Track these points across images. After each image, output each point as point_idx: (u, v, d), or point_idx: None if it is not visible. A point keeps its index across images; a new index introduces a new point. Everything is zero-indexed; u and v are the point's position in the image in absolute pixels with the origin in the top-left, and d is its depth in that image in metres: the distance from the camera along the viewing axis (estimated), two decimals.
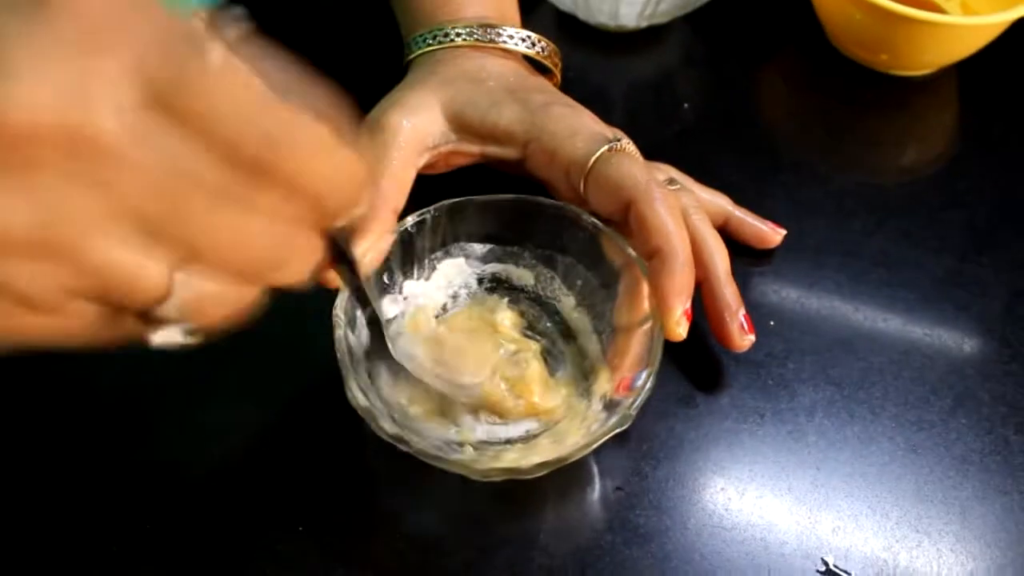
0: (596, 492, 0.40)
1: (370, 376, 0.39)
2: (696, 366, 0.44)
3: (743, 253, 0.48)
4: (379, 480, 0.40)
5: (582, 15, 0.60)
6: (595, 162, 0.42)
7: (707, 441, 0.42)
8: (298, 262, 0.25)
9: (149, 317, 0.24)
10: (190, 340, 0.25)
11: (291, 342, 0.43)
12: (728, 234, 0.48)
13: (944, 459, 0.42)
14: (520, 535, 0.39)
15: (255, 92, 0.22)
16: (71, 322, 0.23)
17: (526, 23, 0.51)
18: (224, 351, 0.43)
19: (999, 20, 0.54)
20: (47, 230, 0.20)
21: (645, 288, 0.39)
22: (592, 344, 0.42)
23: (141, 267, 0.22)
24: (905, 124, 0.59)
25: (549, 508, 0.39)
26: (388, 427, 0.35)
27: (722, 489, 0.40)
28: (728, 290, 0.42)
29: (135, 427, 0.41)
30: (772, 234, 0.48)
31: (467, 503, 0.39)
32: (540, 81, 0.48)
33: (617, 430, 0.36)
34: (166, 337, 0.25)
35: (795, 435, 0.42)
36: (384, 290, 0.42)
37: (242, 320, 0.25)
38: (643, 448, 0.41)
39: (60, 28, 0.19)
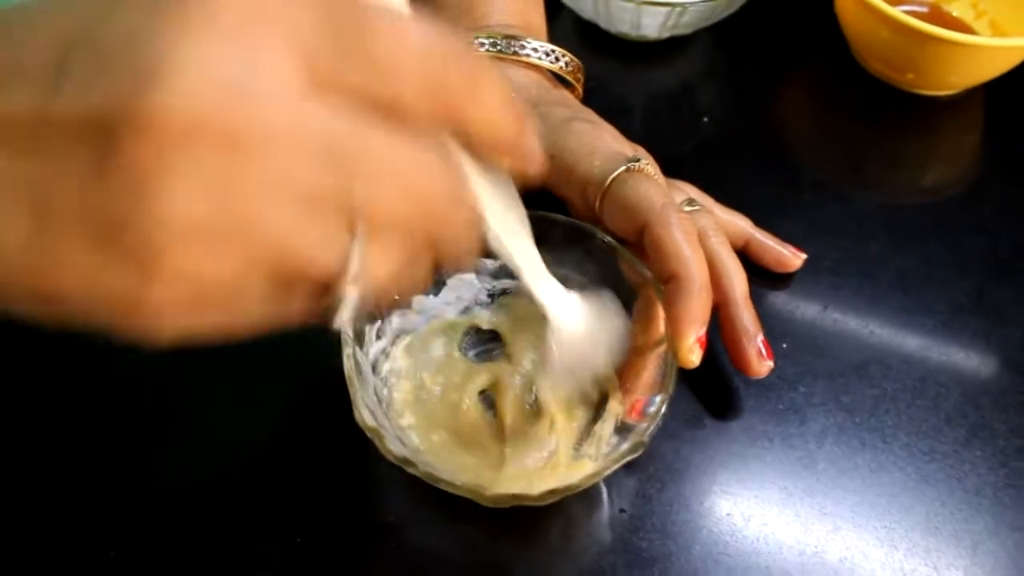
0: (600, 513, 0.39)
1: (378, 395, 0.38)
2: (705, 387, 0.43)
3: (759, 274, 0.47)
4: (380, 493, 0.40)
5: (603, 24, 0.59)
6: (612, 182, 0.41)
7: (714, 464, 0.41)
8: (462, 233, 0.25)
9: (329, 292, 0.23)
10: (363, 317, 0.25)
11: (297, 351, 0.42)
12: (748, 256, 0.47)
13: (956, 491, 0.41)
14: (522, 555, 0.38)
15: (419, 48, 0.22)
16: (250, 310, 0.22)
17: (547, 31, 0.51)
18: (227, 358, 0.43)
19: None
20: (226, 214, 0.20)
21: (660, 310, 0.39)
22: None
23: (315, 240, 0.21)
24: (929, 145, 0.58)
25: (552, 528, 0.39)
26: (396, 449, 0.34)
27: (728, 515, 0.39)
28: (746, 314, 0.41)
29: (134, 433, 0.41)
30: (792, 258, 0.48)
31: (468, 520, 0.39)
32: (562, 94, 0.47)
33: (630, 457, 0.35)
34: (341, 316, 0.24)
35: (804, 461, 0.41)
36: (394, 306, 0.41)
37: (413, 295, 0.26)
38: (649, 470, 0.40)
39: (218, 18, 0.19)
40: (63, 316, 0.22)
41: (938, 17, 0.61)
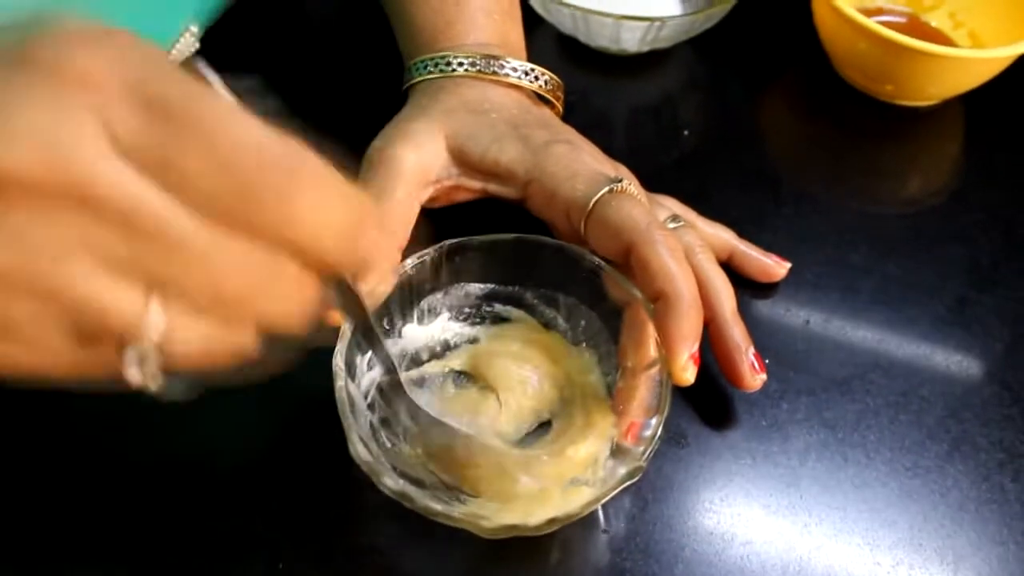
0: (582, 534, 0.39)
1: (373, 428, 0.38)
2: (688, 404, 0.43)
3: (742, 285, 0.47)
4: (365, 518, 0.39)
5: (583, 38, 0.59)
6: (595, 204, 0.41)
7: (697, 483, 0.41)
8: (285, 301, 0.25)
9: (130, 353, 0.24)
10: (188, 390, 0.25)
11: (294, 377, 0.42)
12: (732, 268, 0.47)
13: (939, 506, 0.41)
14: (498, 564, 0.38)
15: (231, 145, 0.22)
16: (50, 355, 0.23)
17: (526, 45, 0.51)
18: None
19: (1007, 54, 0.53)
20: (20, 262, 0.21)
21: (651, 329, 0.38)
22: (599, 386, 0.41)
23: (114, 299, 0.22)
24: (909, 155, 0.58)
25: (533, 549, 0.38)
26: (391, 483, 0.34)
27: (711, 533, 0.39)
28: (736, 330, 0.42)
29: (121, 455, 0.40)
30: (776, 268, 0.48)
31: (449, 544, 0.38)
32: (542, 114, 0.47)
33: (629, 482, 0.35)
34: (146, 376, 0.24)
35: (787, 478, 0.41)
36: (384, 334, 0.41)
37: (243, 372, 0.25)
38: (631, 489, 0.40)
39: (36, 80, 0.21)
40: None
41: (916, 27, 0.61)
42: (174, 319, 0.23)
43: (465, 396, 0.42)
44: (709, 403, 0.43)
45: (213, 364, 0.25)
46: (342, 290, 0.29)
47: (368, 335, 0.36)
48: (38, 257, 0.21)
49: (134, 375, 0.24)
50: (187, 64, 0.24)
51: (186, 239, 0.22)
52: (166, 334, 0.23)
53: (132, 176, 0.22)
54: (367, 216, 0.25)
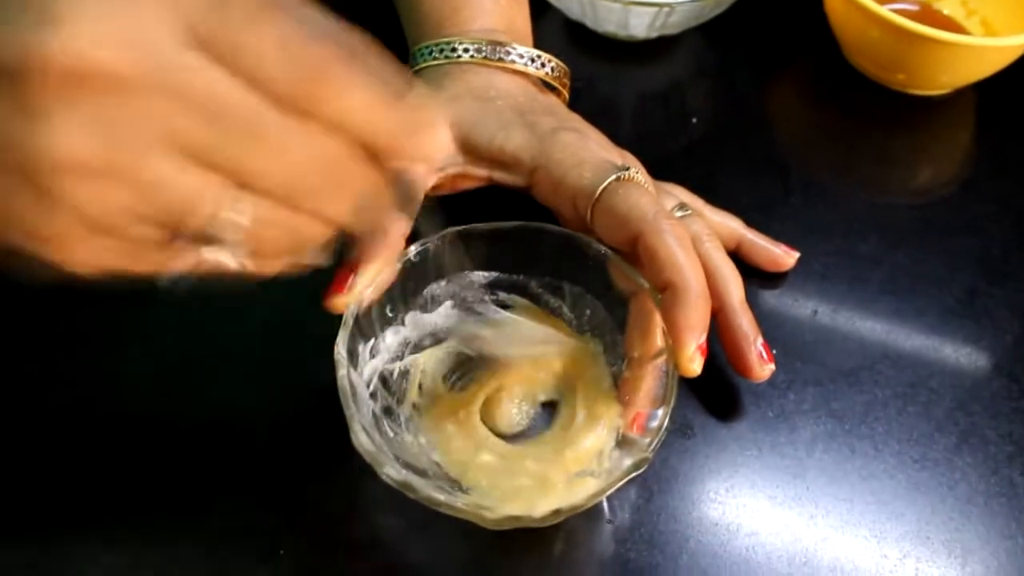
0: (587, 524, 0.39)
1: (375, 417, 0.37)
2: (694, 394, 0.43)
3: (749, 276, 0.46)
4: (367, 508, 0.39)
5: (591, 24, 0.59)
6: (602, 193, 0.40)
7: (703, 473, 0.40)
8: (353, 192, 0.26)
9: (207, 240, 0.25)
10: (249, 270, 0.26)
11: (297, 363, 0.42)
12: (740, 257, 0.47)
13: (947, 499, 0.40)
14: (503, 564, 0.38)
15: (294, 34, 0.23)
16: (126, 244, 0.24)
17: (534, 31, 0.50)
18: (218, 363, 0.43)
19: (1019, 42, 0.52)
20: (105, 155, 0.22)
21: (658, 319, 0.38)
22: (604, 376, 0.41)
23: (193, 188, 0.23)
24: (920, 145, 0.57)
25: (537, 540, 0.38)
26: (393, 473, 0.33)
27: (716, 524, 0.39)
28: (744, 319, 0.41)
29: (121, 440, 0.40)
30: (785, 257, 0.47)
31: (451, 534, 0.38)
32: (549, 101, 0.46)
33: (635, 473, 0.34)
34: (221, 260, 0.26)
35: (794, 469, 0.41)
36: (386, 323, 0.40)
37: (306, 259, 0.27)
38: (636, 479, 0.40)
39: None
40: None
41: (929, 16, 0.60)
42: (254, 208, 0.24)
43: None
44: (715, 393, 0.43)
45: (284, 254, 0.26)
46: (400, 185, 0.29)
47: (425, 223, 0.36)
48: (124, 147, 0.22)
49: (223, 259, 0.25)
50: None
51: (264, 127, 0.23)
52: (247, 223, 0.25)
53: (210, 66, 0.22)
54: (421, 108, 0.26)
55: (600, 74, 0.59)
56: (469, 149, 0.43)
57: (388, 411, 0.39)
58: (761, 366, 0.41)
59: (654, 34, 0.58)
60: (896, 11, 0.53)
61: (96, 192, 0.23)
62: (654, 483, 0.40)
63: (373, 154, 0.26)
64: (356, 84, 0.24)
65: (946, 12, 0.61)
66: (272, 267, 0.27)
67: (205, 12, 0.22)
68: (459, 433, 0.40)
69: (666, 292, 0.38)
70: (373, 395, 0.38)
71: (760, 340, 0.41)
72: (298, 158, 0.24)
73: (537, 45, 0.48)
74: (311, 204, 0.25)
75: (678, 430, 0.42)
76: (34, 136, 0.22)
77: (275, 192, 0.24)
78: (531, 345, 0.42)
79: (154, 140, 0.22)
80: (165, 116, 0.22)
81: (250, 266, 0.26)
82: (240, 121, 0.23)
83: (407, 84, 0.26)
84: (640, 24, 0.57)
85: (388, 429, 0.38)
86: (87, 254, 0.24)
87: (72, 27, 0.21)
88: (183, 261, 0.26)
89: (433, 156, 0.28)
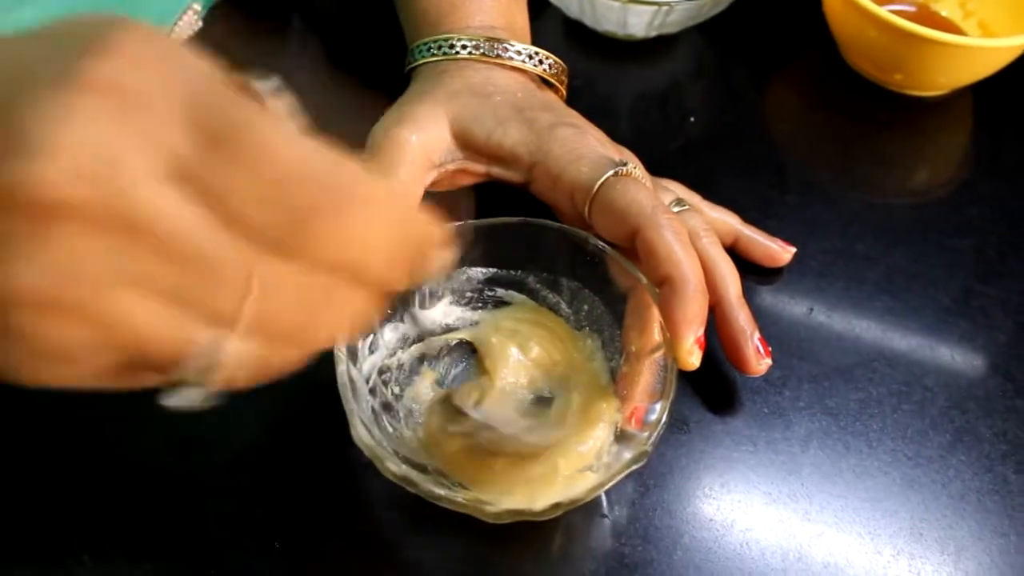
0: (582, 519, 0.39)
1: (375, 412, 0.38)
2: (690, 390, 0.43)
3: (746, 271, 0.46)
4: (367, 502, 0.39)
5: (589, 23, 0.59)
6: (600, 188, 0.40)
7: (698, 469, 0.41)
8: (336, 323, 0.24)
9: (169, 374, 0.23)
10: (207, 400, 0.24)
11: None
12: (737, 253, 0.47)
13: (941, 496, 0.40)
14: (499, 559, 0.38)
15: (281, 172, 0.22)
16: (89, 371, 0.23)
17: (533, 29, 0.50)
18: None
19: (1016, 43, 0.52)
20: (67, 290, 0.21)
21: (655, 314, 0.38)
22: (602, 371, 0.41)
23: (157, 325, 0.22)
24: (917, 145, 0.58)
25: (532, 534, 0.38)
26: (394, 468, 0.34)
27: (711, 520, 0.39)
28: (741, 314, 0.41)
29: (115, 434, 0.40)
30: (782, 252, 0.47)
31: (450, 528, 0.38)
32: (547, 97, 0.46)
33: (634, 467, 0.34)
34: (185, 397, 0.24)
35: (788, 466, 0.41)
36: (385, 318, 0.40)
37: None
38: (632, 474, 0.40)
39: (90, 102, 0.20)
40: None
41: (926, 17, 0.60)
42: (223, 344, 0.23)
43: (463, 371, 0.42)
44: (711, 389, 0.43)
45: (259, 381, 0.24)
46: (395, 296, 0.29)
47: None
48: (85, 283, 0.21)
49: (176, 397, 0.24)
50: (238, 77, 0.24)
51: (236, 271, 0.22)
52: (215, 358, 0.23)
53: (182, 204, 0.21)
54: (423, 233, 0.25)
55: (599, 73, 0.59)
56: (467, 144, 0.43)
57: (387, 407, 0.39)
58: (758, 361, 0.41)
59: (653, 33, 0.58)
60: (894, 12, 0.53)
61: (56, 326, 0.21)
62: (649, 478, 0.40)
63: (363, 282, 0.24)
64: (347, 224, 0.22)
65: (944, 13, 0.61)
66: (246, 387, 0.25)
67: (190, 148, 0.21)
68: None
69: (664, 286, 0.38)
70: (372, 391, 0.38)
71: (757, 335, 0.41)
72: (276, 300, 0.23)
73: (536, 43, 0.48)
74: (288, 338, 0.24)
75: (674, 425, 0.42)
76: None
77: (248, 330, 0.23)
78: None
79: (117, 279, 0.21)
80: (131, 254, 0.21)
81: (222, 387, 0.24)
82: (210, 265, 0.22)
83: (405, 198, 0.24)
84: (639, 23, 0.57)
85: (387, 424, 0.38)
86: (51, 378, 0.23)
87: (47, 159, 0.20)
88: (144, 385, 0.24)
89: (436, 273, 0.26)
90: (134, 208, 0.21)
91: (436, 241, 0.25)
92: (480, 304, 0.43)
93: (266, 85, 0.24)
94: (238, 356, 0.23)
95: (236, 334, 0.23)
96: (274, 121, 0.22)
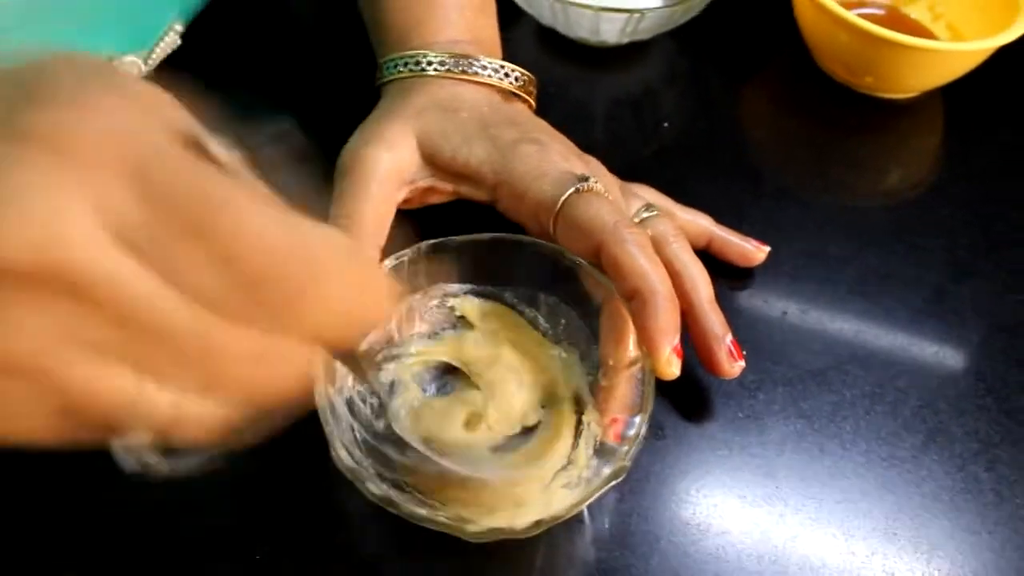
0: (560, 526, 0.39)
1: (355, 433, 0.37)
2: (665, 396, 0.43)
3: (720, 274, 0.46)
4: (348, 521, 0.39)
5: (562, 30, 0.59)
6: (563, 205, 0.41)
7: (674, 474, 0.41)
8: (284, 380, 0.24)
9: (118, 430, 0.23)
10: (162, 464, 0.24)
11: None
12: (711, 254, 0.47)
13: (914, 496, 0.41)
14: (473, 566, 0.38)
15: (237, 243, 0.21)
16: (39, 429, 0.23)
17: (506, 37, 0.51)
18: None
19: (984, 46, 0.53)
20: (6, 347, 0.20)
21: (630, 326, 0.38)
22: (580, 384, 0.41)
23: (104, 386, 0.22)
24: (888, 147, 0.58)
25: (516, 542, 0.38)
26: (374, 489, 0.34)
27: (687, 524, 0.39)
28: (713, 317, 0.42)
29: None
30: (756, 252, 0.48)
31: (430, 542, 0.38)
32: (513, 110, 0.47)
33: (614, 482, 0.35)
34: (136, 452, 0.24)
35: (764, 469, 0.41)
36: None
37: (228, 439, 0.24)
38: None
39: (35, 157, 0.20)
40: None
41: (896, 20, 0.61)
42: (166, 401, 0.22)
43: (444, 401, 0.41)
44: (686, 394, 0.43)
45: (206, 440, 0.24)
46: (344, 357, 0.28)
47: (365, 382, 0.36)
48: (25, 343, 0.21)
49: (125, 459, 0.24)
50: (202, 134, 0.23)
51: (182, 333, 0.21)
52: (158, 416, 0.23)
53: (126, 266, 0.21)
54: (381, 299, 0.24)
55: (572, 79, 0.60)
56: (434, 163, 0.44)
57: (368, 426, 0.39)
58: (731, 363, 0.41)
59: (625, 40, 0.59)
60: (863, 15, 0.54)
61: (2, 385, 0.21)
62: (625, 484, 0.40)
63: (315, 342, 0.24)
64: (301, 297, 0.22)
65: (913, 16, 0.62)
66: (197, 441, 0.24)
67: (138, 209, 0.20)
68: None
69: (633, 300, 0.38)
70: (352, 410, 0.38)
71: (729, 338, 0.41)
72: (223, 361, 0.22)
73: (509, 51, 0.48)
74: (235, 396, 0.23)
75: (649, 431, 0.42)
76: None
77: (195, 389, 0.23)
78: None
79: (57, 336, 0.21)
80: (70, 313, 0.20)
81: (154, 451, 0.24)
82: (155, 327, 0.21)
83: (368, 261, 0.23)
84: (611, 30, 0.57)
85: (371, 442, 0.38)
86: (2, 433, 0.22)
87: None
88: (92, 440, 0.23)
89: (383, 323, 0.26)
90: (75, 269, 0.20)
91: (391, 299, 0.25)
92: (450, 325, 0.43)
93: (222, 142, 0.24)
94: (182, 411, 0.23)
95: (180, 389, 0.22)
96: (230, 186, 0.21)
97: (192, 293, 0.21)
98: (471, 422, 0.40)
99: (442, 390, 0.42)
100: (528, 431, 0.40)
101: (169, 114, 0.23)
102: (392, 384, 0.41)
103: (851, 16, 0.53)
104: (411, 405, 0.40)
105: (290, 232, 0.22)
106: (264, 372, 0.23)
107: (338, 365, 0.37)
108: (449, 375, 0.42)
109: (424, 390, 0.42)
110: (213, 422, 0.24)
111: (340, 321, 0.23)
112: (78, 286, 0.20)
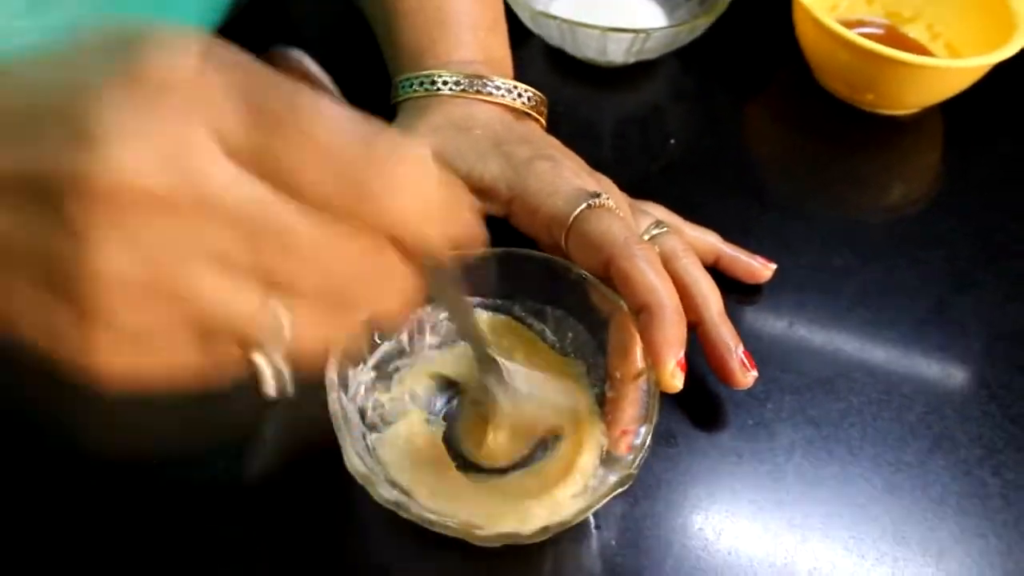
0: (572, 531, 0.39)
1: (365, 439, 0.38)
2: (677, 405, 0.44)
3: (728, 289, 0.47)
4: (359, 527, 0.40)
5: (570, 50, 0.61)
6: (574, 220, 0.42)
7: (686, 480, 0.42)
8: (389, 288, 0.26)
9: (249, 346, 0.25)
10: (286, 377, 0.26)
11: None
12: (719, 271, 0.49)
13: (921, 501, 0.42)
14: (482, 571, 0.39)
15: (332, 142, 0.23)
16: (179, 361, 0.24)
17: (515, 57, 0.52)
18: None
19: (983, 63, 0.55)
20: (145, 272, 0.22)
21: (637, 339, 0.39)
22: (587, 396, 0.42)
23: (231, 299, 0.23)
24: (890, 163, 0.59)
25: (525, 548, 0.39)
26: (386, 493, 0.34)
27: (699, 529, 0.40)
28: (724, 329, 0.43)
29: (108, 468, 0.41)
30: (763, 269, 0.49)
31: (441, 546, 0.39)
32: (526, 129, 0.48)
33: (620, 490, 0.35)
34: (267, 369, 0.25)
35: (773, 475, 0.42)
36: (374, 348, 0.41)
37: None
38: None
39: (151, 93, 0.22)
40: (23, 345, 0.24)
41: (895, 38, 0.63)
42: (293, 313, 0.24)
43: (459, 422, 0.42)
44: (697, 404, 0.44)
45: (316, 345, 0.26)
46: (436, 274, 0.30)
47: (458, 317, 0.37)
48: (161, 265, 0.22)
49: (266, 378, 0.25)
50: (280, 55, 0.25)
51: (297, 235, 0.23)
52: (283, 332, 0.24)
53: (245, 179, 0.23)
54: (459, 198, 0.26)
55: (581, 98, 0.61)
56: None
57: (379, 435, 0.40)
58: (743, 373, 0.42)
59: (632, 59, 0.60)
60: (863, 34, 0.55)
61: (135, 307, 0.23)
62: (639, 490, 0.41)
63: (410, 246, 0.26)
64: (395, 186, 0.24)
65: (912, 35, 0.63)
66: (307, 365, 0.26)
67: (246, 128, 0.23)
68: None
69: (642, 314, 0.39)
70: (364, 418, 0.39)
71: (741, 348, 0.42)
72: (335, 262, 0.24)
73: (518, 70, 0.50)
74: (349, 304, 0.25)
75: (661, 439, 0.43)
76: (74, 254, 0.22)
77: (313, 296, 0.25)
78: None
79: (192, 256, 0.23)
80: (202, 233, 0.22)
81: (285, 366, 0.26)
82: (277, 234, 0.23)
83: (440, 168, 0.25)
84: (618, 50, 0.59)
85: (380, 450, 0.39)
86: (128, 366, 0.24)
87: (109, 148, 0.21)
88: (227, 371, 0.25)
89: (470, 241, 0.27)
90: (204, 187, 0.22)
91: (465, 203, 0.27)
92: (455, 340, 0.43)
93: (296, 56, 0.26)
94: (304, 323, 0.25)
95: (300, 298, 0.24)
96: (316, 96, 0.24)
97: (301, 196, 0.23)
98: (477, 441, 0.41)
99: (449, 405, 0.43)
100: (542, 446, 0.41)
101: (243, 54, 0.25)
102: (395, 403, 0.42)
103: (851, 35, 0.55)
104: (406, 437, 0.41)
105: (374, 133, 0.24)
106: (374, 284, 0.25)
107: (350, 374, 0.38)
108: (455, 388, 0.43)
109: (430, 408, 0.42)
110: (328, 337, 0.26)
111: (424, 212, 0.25)
112: (203, 200, 0.22)
